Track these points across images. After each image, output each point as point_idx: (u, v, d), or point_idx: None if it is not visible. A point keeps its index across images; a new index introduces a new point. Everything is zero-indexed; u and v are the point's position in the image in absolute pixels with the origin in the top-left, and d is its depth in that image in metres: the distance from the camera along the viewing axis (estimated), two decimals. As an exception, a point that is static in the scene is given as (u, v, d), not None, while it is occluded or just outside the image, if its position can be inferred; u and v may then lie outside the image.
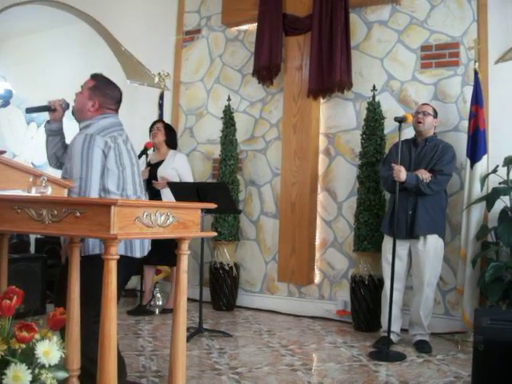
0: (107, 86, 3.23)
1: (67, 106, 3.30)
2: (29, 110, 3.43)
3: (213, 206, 2.60)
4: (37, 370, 2.40)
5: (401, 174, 4.41)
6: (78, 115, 3.19)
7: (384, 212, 5.11)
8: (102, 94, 3.17)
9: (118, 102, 3.26)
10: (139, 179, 3.17)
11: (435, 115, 4.75)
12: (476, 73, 4.85)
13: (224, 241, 5.89)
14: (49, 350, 2.44)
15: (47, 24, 7.85)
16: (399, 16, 5.49)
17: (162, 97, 6.56)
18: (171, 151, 5.75)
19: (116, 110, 3.25)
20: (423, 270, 4.52)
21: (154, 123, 5.83)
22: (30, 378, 2.35)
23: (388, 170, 4.60)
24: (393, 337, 4.54)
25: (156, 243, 4.76)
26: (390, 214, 4.66)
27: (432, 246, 4.54)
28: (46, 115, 3.36)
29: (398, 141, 4.43)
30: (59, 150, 3.30)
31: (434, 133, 4.78)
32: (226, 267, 5.89)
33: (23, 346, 2.42)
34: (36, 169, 2.66)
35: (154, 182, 5.53)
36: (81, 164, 2.90)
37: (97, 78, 3.24)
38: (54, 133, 3.30)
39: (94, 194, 2.88)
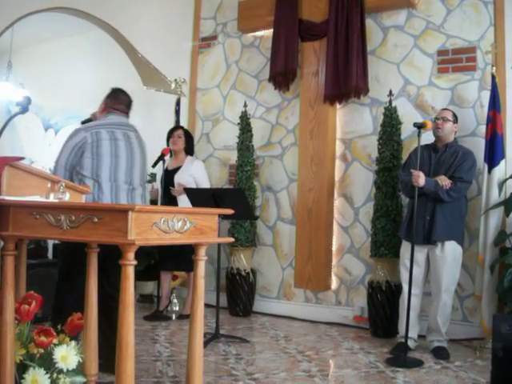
0: (117, 92, 3.88)
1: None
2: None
3: (230, 211, 2.60)
4: (55, 375, 2.43)
5: (419, 179, 4.39)
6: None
7: (401, 217, 5.08)
8: (111, 96, 3.85)
9: (127, 104, 3.89)
10: (126, 169, 3.70)
11: (455, 120, 4.71)
12: (493, 77, 4.81)
13: (241, 246, 5.89)
14: (67, 355, 2.46)
15: (65, 31, 7.92)
16: (415, 21, 5.48)
17: (178, 103, 6.58)
18: (188, 157, 5.77)
19: (124, 111, 3.86)
20: (441, 276, 4.49)
21: (174, 129, 5.85)
22: (48, 382, 2.38)
23: (407, 174, 4.58)
24: (410, 343, 4.51)
25: (172, 249, 4.82)
26: (408, 220, 4.64)
27: (450, 253, 4.50)
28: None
29: (422, 145, 4.42)
30: None
31: (455, 138, 4.74)
32: (243, 273, 5.89)
33: (42, 350, 2.44)
34: (54, 175, 2.69)
35: (170, 188, 5.55)
36: (60, 151, 3.58)
37: (112, 89, 3.90)
38: None
39: (59, 172, 3.49)
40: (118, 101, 3.83)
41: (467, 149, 4.72)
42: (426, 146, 4.71)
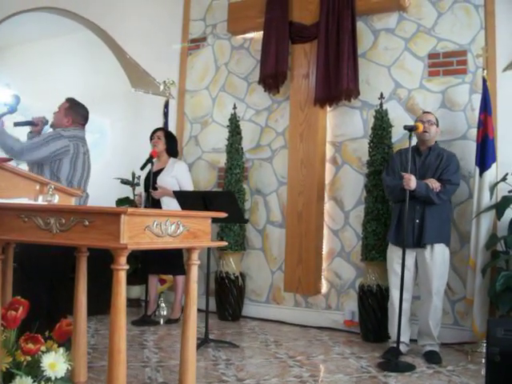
0: (78, 107, 4.34)
1: (46, 122, 4.35)
2: (17, 124, 4.27)
3: (223, 214, 2.55)
4: (43, 383, 2.35)
5: (411, 182, 4.37)
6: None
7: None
8: (75, 112, 4.29)
9: (86, 119, 4.37)
10: (87, 181, 4.27)
11: (437, 124, 4.72)
12: (484, 80, 4.80)
13: (230, 250, 5.82)
14: (55, 363, 2.39)
15: (51, 31, 7.81)
16: (406, 24, 5.46)
17: (167, 105, 6.52)
18: (171, 159, 5.69)
19: (83, 125, 4.34)
20: (431, 279, 4.48)
21: (155, 131, 5.78)
22: (36, 391, 2.30)
23: (394, 179, 4.56)
24: (402, 347, 4.48)
25: (159, 252, 4.76)
26: (396, 224, 4.61)
27: (439, 255, 4.50)
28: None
29: (408, 148, 4.38)
30: None
31: (436, 141, 4.74)
32: (232, 277, 5.83)
33: (29, 358, 2.37)
34: (42, 177, 2.62)
35: (151, 191, 5.47)
36: (36, 143, 3.98)
37: (71, 101, 4.34)
38: None
39: (26, 159, 4.02)
40: (79, 115, 4.31)
41: (450, 151, 4.74)
42: (408, 149, 4.70)
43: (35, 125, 4.30)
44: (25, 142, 4.10)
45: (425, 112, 4.84)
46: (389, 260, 4.69)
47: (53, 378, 2.36)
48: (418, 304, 4.71)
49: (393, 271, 4.59)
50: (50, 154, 3.97)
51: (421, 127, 4.44)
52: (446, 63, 5.25)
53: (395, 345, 4.37)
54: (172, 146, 5.78)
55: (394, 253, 4.59)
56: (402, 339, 4.41)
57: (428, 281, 4.49)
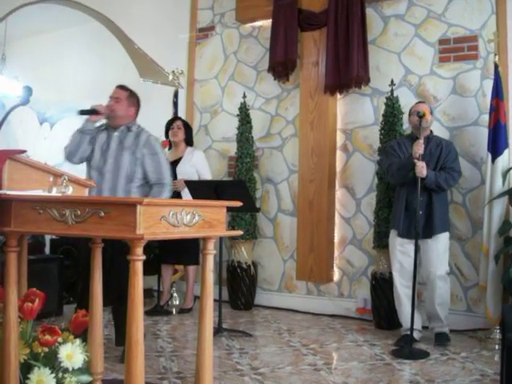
0: (134, 93, 4.12)
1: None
2: (82, 112, 3.96)
3: (238, 203, 2.54)
4: (60, 374, 2.36)
5: (424, 169, 4.37)
6: (119, 121, 4.01)
7: (404, 208, 5.06)
8: (136, 100, 4.12)
9: None
10: None
11: (431, 112, 4.74)
12: (496, 66, 4.76)
13: (241, 239, 5.82)
14: (72, 354, 2.40)
15: (59, 23, 7.80)
16: (416, 10, 5.41)
17: (176, 95, 6.50)
18: (189, 148, 5.69)
19: None
20: (434, 265, 4.52)
21: (173, 121, 5.77)
22: (53, 382, 2.31)
23: (398, 158, 4.61)
24: (415, 334, 4.47)
25: (173, 242, 4.76)
26: (402, 214, 4.58)
27: (442, 243, 4.57)
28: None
29: (405, 136, 4.48)
30: (85, 146, 3.98)
31: (431, 130, 4.74)
32: (244, 266, 5.84)
33: (46, 349, 2.38)
34: (57, 168, 2.62)
35: (173, 182, 5.44)
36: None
37: (126, 88, 4.09)
38: (89, 132, 3.98)
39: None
40: (138, 102, 4.17)
41: (447, 140, 4.82)
42: (405, 137, 4.74)
43: (100, 114, 3.97)
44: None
45: (417, 103, 4.82)
46: (391, 247, 4.72)
47: (70, 369, 2.37)
48: (423, 290, 4.74)
49: (395, 259, 4.61)
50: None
51: (427, 114, 4.47)
52: (456, 49, 5.20)
53: (407, 332, 4.38)
54: (189, 136, 5.78)
55: (394, 241, 4.64)
56: (414, 326, 4.41)
57: (431, 267, 4.53)
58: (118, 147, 3.97)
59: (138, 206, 1.94)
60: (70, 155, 4.00)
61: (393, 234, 4.70)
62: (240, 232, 2.80)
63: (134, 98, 4.10)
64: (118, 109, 3.99)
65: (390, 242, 4.74)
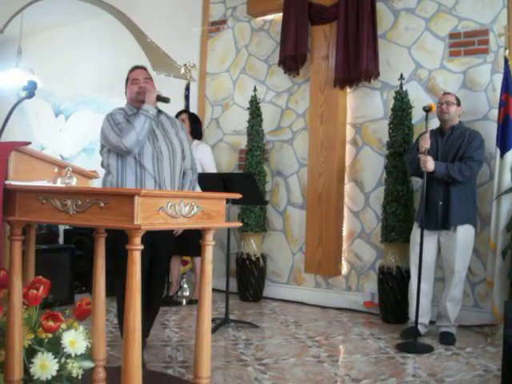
0: None
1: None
2: (159, 99, 3.66)
3: (237, 195, 2.58)
4: (63, 360, 2.42)
5: (427, 163, 4.34)
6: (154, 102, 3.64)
7: (412, 202, 5.06)
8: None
9: None
10: None
11: (459, 103, 4.66)
12: (506, 60, 4.74)
13: (251, 232, 5.88)
14: (75, 340, 2.45)
15: (74, 17, 7.88)
16: (427, 3, 5.39)
17: (188, 88, 6.55)
18: (195, 141, 5.73)
19: None
20: (454, 261, 4.45)
21: (179, 114, 5.82)
22: (56, 366, 2.37)
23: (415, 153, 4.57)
24: (421, 328, 4.49)
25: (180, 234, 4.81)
26: (423, 204, 4.57)
27: (463, 236, 4.47)
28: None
29: (432, 130, 4.41)
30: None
31: (460, 121, 4.69)
32: (253, 258, 5.89)
33: (50, 335, 2.44)
34: (61, 160, 2.67)
35: None
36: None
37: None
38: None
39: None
40: None
41: (473, 130, 4.68)
42: (432, 130, 4.67)
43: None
44: None
45: (445, 93, 4.80)
46: (412, 241, 4.69)
47: (73, 355, 2.43)
48: (441, 287, 4.70)
49: (414, 252, 4.56)
50: None
51: (434, 108, 4.45)
52: (467, 43, 5.19)
53: (413, 325, 4.39)
54: (196, 128, 5.81)
55: (417, 235, 4.56)
56: (421, 320, 4.43)
57: (451, 263, 4.48)
58: (162, 131, 3.68)
59: (136, 197, 1.99)
60: (139, 144, 3.50)
61: (415, 226, 4.69)
62: (239, 223, 2.85)
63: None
64: (153, 89, 3.69)
65: (412, 235, 4.71)
